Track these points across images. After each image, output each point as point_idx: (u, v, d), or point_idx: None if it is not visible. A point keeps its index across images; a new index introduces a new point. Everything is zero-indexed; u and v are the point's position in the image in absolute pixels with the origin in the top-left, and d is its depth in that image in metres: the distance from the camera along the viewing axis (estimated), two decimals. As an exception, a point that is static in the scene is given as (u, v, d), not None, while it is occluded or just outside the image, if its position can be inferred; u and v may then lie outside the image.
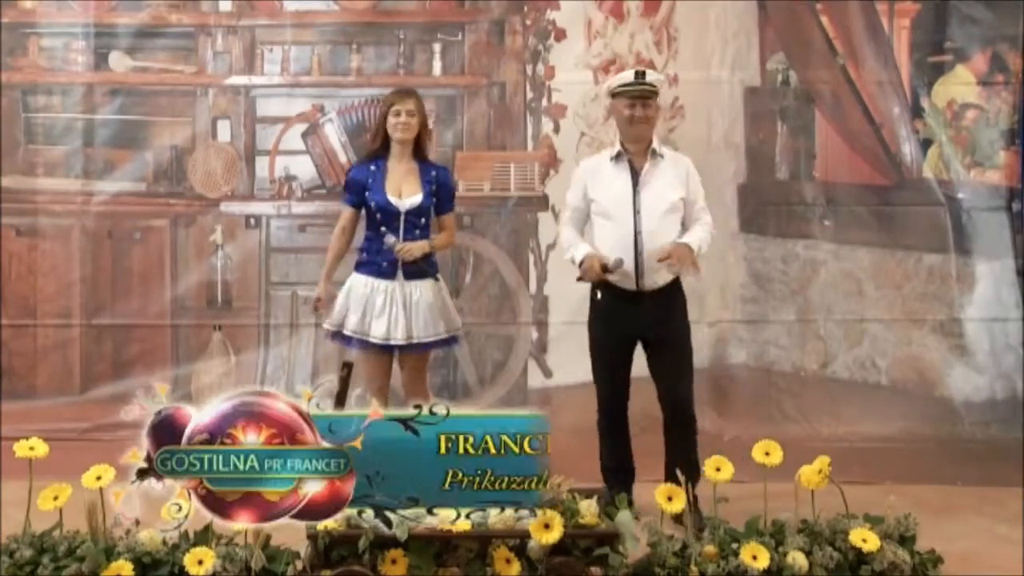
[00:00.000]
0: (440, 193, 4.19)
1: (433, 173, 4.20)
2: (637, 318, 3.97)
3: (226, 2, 5.69)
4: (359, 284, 4.11)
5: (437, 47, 5.71)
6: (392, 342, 4.07)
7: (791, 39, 5.77)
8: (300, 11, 5.71)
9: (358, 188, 4.14)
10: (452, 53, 5.74)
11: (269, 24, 5.71)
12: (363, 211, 4.20)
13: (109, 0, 5.65)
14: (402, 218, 4.10)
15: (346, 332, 4.10)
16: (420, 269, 4.11)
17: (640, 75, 3.98)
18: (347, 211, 4.21)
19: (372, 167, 4.15)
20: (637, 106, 3.97)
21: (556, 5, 5.70)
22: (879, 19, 5.72)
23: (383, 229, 4.10)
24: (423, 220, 4.16)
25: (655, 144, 4.06)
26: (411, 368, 4.23)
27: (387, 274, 4.09)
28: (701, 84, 5.71)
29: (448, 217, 4.27)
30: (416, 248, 4.07)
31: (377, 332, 4.06)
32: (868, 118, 5.73)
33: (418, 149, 4.19)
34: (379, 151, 4.17)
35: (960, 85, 5.73)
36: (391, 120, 4.11)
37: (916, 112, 5.72)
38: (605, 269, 3.89)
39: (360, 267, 4.15)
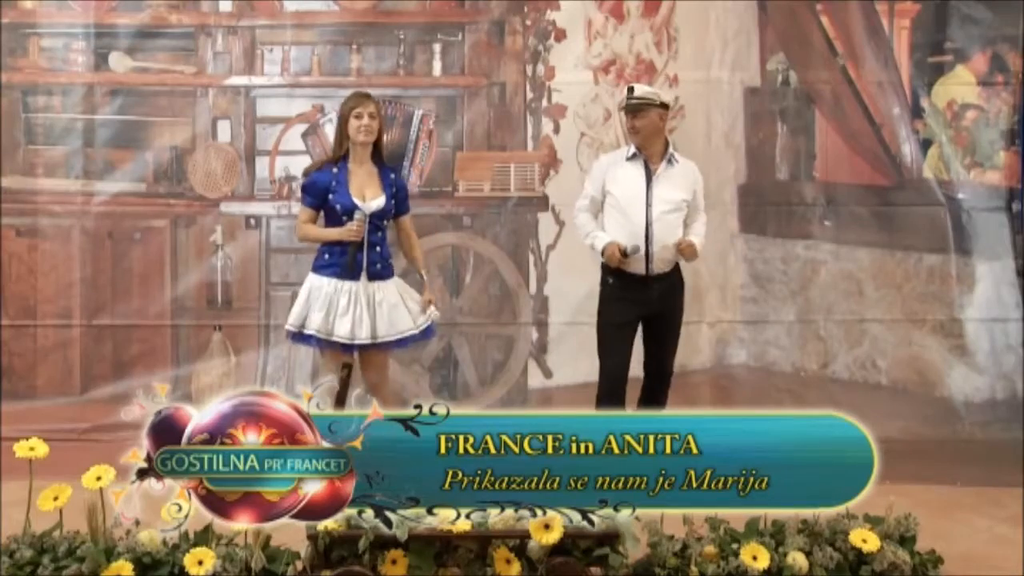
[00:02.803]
0: (399, 195, 4.26)
1: (392, 176, 4.27)
2: (644, 299, 4.32)
3: (226, 2, 5.69)
4: (322, 284, 4.13)
5: (437, 47, 5.72)
6: (356, 341, 4.11)
7: (791, 39, 5.78)
8: (300, 11, 5.72)
9: (320, 191, 4.14)
10: (452, 53, 5.74)
11: (269, 24, 5.71)
12: (322, 214, 4.22)
13: (109, 0, 5.65)
14: (366, 220, 4.13)
15: (307, 331, 4.12)
16: (382, 271, 4.20)
17: (630, 90, 4.32)
18: (307, 212, 4.20)
19: (334, 170, 4.16)
20: (629, 118, 4.33)
21: (556, 5, 5.70)
22: (879, 19, 5.72)
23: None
24: (385, 222, 4.22)
25: (671, 149, 4.37)
26: (375, 367, 4.27)
27: (351, 276, 4.12)
28: (701, 84, 5.72)
29: (407, 219, 4.35)
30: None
31: (341, 331, 4.10)
32: (868, 118, 5.73)
33: (376, 152, 4.23)
34: (340, 155, 4.18)
35: (960, 85, 5.74)
36: (353, 123, 4.12)
37: (916, 112, 5.73)
38: (624, 254, 4.25)
39: (322, 269, 4.16)
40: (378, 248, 4.18)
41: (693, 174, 4.43)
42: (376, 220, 4.15)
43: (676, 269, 4.40)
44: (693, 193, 4.39)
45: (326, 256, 4.17)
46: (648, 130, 4.28)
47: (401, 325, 4.20)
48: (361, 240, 4.11)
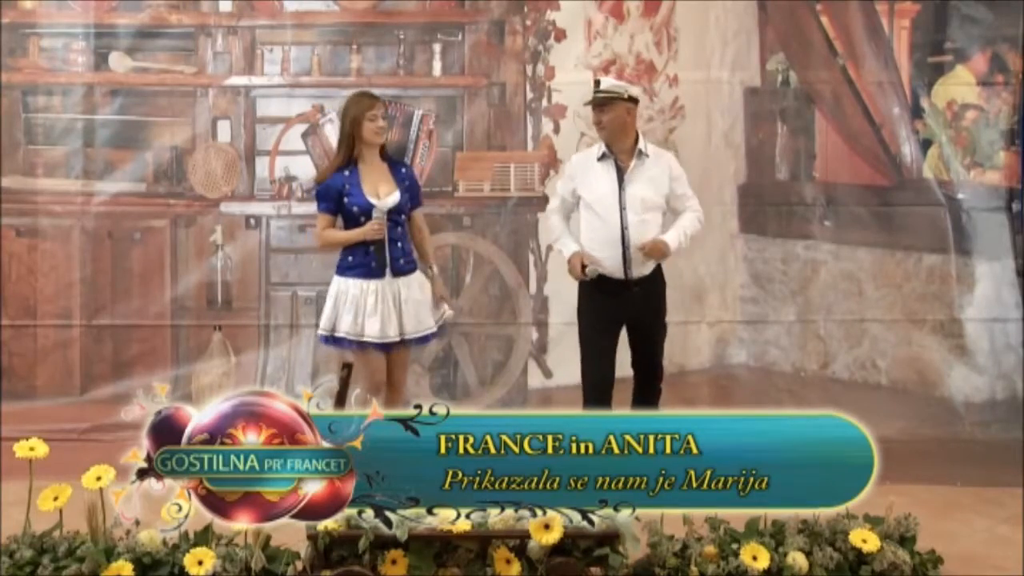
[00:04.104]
0: (412, 190, 4.27)
1: (403, 171, 4.28)
2: (624, 304, 4.20)
3: (226, 2, 5.69)
4: (349, 287, 4.14)
5: (437, 47, 5.72)
6: (386, 340, 4.12)
7: (791, 39, 5.78)
8: (300, 11, 5.72)
9: (334, 195, 4.13)
10: (452, 53, 5.74)
11: (269, 24, 5.71)
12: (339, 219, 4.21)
13: (109, 0, 5.65)
14: (384, 217, 4.13)
15: (338, 334, 4.13)
16: (405, 266, 4.20)
17: (596, 84, 4.21)
18: (325, 218, 4.17)
19: (346, 172, 4.15)
20: (595, 112, 4.19)
21: (556, 5, 5.70)
22: (879, 19, 5.72)
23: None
24: (402, 217, 4.22)
25: (641, 144, 4.23)
26: (398, 363, 4.28)
27: (376, 274, 4.13)
28: (701, 84, 5.72)
29: (418, 213, 4.34)
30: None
31: (371, 331, 4.11)
32: (868, 118, 5.73)
33: (382, 148, 4.23)
34: (350, 158, 4.16)
35: (960, 85, 5.73)
36: (369, 126, 4.12)
37: (916, 112, 5.73)
38: (584, 270, 4.15)
39: (347, 271, 4.16)
40: (399, 243, 4.18)
41: (668, 165, 4.26)
42: (394, 216, 4.15)
43: (657, 270, 4.27)
44: (668, 184, 4.22)
45: (350, 258, 4.16)
46: (614, 125, 4.15)
47: (427, 321, 4.23)
48: (382, 237, 4.11)
